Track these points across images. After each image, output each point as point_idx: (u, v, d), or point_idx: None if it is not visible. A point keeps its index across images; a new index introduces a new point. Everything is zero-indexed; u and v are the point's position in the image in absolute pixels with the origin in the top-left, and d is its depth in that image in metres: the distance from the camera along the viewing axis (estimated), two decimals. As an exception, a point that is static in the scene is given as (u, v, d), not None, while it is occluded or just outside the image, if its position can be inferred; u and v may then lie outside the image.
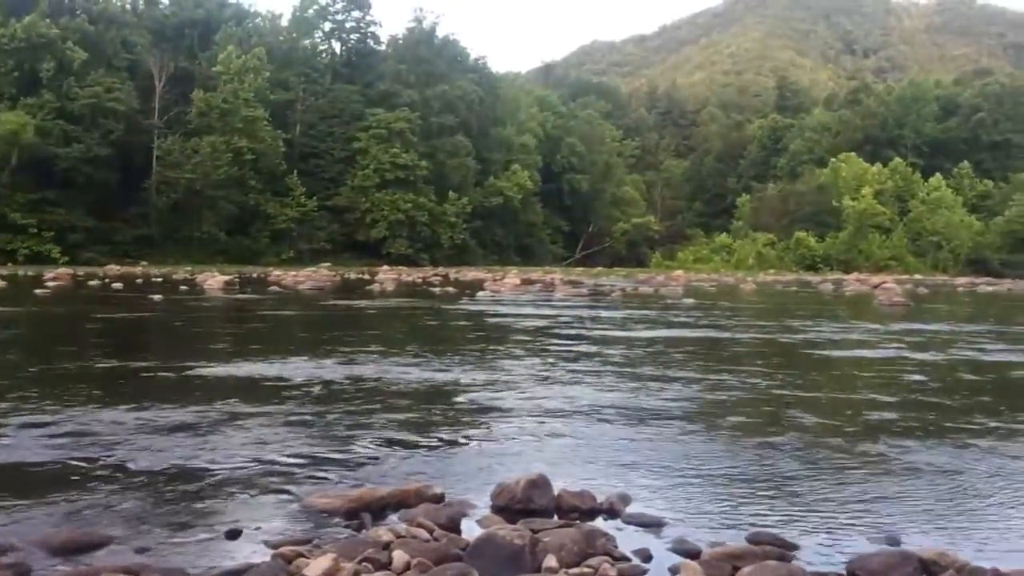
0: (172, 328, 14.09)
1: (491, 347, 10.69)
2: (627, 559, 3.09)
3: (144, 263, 50.09)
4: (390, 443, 4.96)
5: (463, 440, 5.13)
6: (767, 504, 3.87)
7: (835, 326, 15.18)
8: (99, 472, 4.17)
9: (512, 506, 3.66)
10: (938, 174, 79.12)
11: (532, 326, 14.24)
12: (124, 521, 3.42)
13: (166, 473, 4.18)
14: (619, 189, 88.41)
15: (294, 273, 38.38)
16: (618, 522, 3.57)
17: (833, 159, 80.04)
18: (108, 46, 60.33)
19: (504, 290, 27.20)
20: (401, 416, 5.84)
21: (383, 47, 78.20)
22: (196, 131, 60.54)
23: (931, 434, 5.51)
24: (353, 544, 3.07)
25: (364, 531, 3.33)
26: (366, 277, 39.14)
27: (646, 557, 3.14)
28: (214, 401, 6.21)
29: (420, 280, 36.06)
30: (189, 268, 45.10)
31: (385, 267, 52.79)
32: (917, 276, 59.60)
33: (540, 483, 3.75)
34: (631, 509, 3.71)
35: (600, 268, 66.23)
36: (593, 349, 10.40)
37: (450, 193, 68.38)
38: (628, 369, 8.59)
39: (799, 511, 3.76)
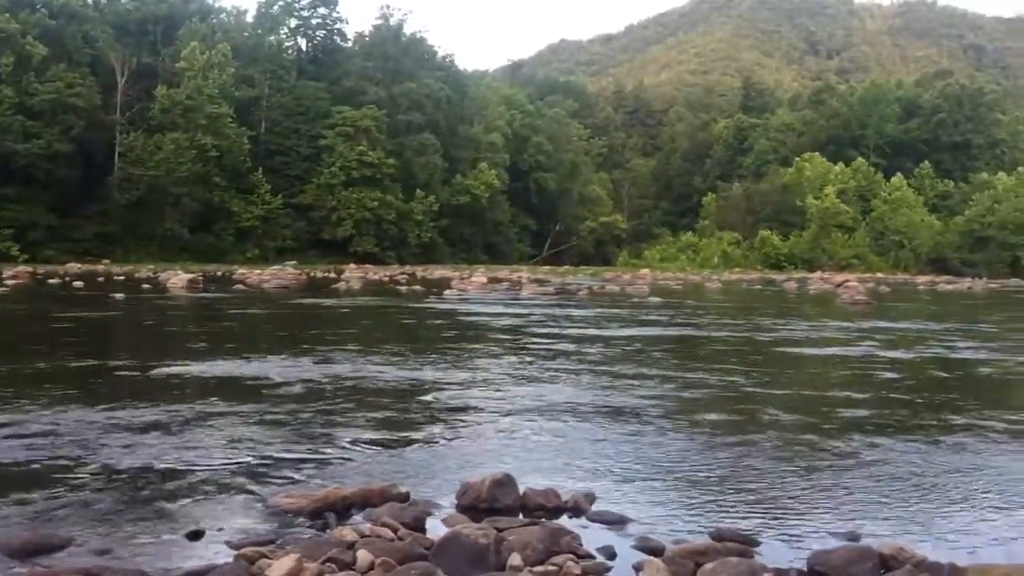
0: (135, 327, 13.93)
1: (460, 346, 10.68)
2: (591, 557, 3.11)
3: (106, 261, 49.32)
4: (359, 442, 4.95)
5: (431, 439, 5.13)
6: (732, 501, 3.91)
7: (801, 324, 15.35)
8: (62, 473, 4.12)
9: (477, 505, 3.66)
10: (899, 174, 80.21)
11: (500, 325, 14.25)
12: (86, 522, 3.38)
13: (131, 473, 4.14)
14: (586, 188, 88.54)
15: (259, 271, 38.01)
16: (583, 520, 3.59)
17: (797, 159, 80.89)
18: (69, 41, 59.27)
19: (471, 289, 27.18)
20: (370, 415, 5.83)
21: (350, 44, 77.66)
22: (159, 127, 59.64)
23: (898, 431, 5.59)
24: (317, 544, 3.06)
25: (329, 531, 3.32)
26: (332, 275, 38.88)
27: (610, 554, 3.16)
28: (181, 401, 6.16)
29: (387, 278, 35.91)
30: (152, 266, 44.49)
31: (352, 265, 52.44)
32: (879, 275, 60.30)
33: (505, 482, 3.76)
34: (596, 507, 3.73)
35: (567, 267, 66.34)
36: (561, 347, 10.43)
37: (417, 191, 68.07)
38: (596, 368, 8.63)
39: (764, 508, 3.80)
